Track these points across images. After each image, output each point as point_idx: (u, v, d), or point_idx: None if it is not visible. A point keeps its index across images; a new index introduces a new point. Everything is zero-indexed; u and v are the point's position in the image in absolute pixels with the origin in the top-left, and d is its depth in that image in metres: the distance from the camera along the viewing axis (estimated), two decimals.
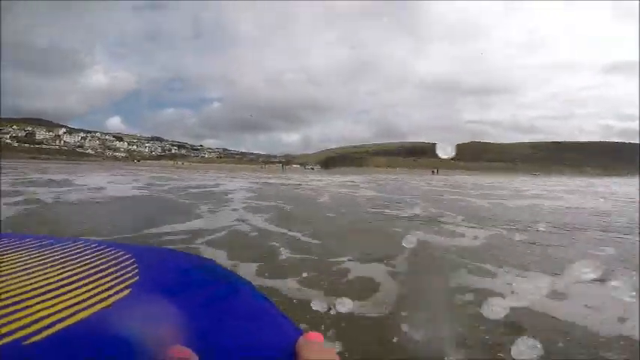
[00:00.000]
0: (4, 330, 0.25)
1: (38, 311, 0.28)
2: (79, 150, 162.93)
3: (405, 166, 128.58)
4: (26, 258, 0.39)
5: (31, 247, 0.43)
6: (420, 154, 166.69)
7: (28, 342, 0.24)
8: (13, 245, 0.44)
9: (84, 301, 0.30)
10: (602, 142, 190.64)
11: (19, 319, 0.27)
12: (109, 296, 0.32)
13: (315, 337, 0.30)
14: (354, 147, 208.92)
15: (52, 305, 0.29)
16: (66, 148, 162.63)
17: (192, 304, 0.33)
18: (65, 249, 0.43)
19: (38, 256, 0.40)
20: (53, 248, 0.44)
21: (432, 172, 61.08)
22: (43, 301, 0.30)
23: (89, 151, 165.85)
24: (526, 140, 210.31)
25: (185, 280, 0.38)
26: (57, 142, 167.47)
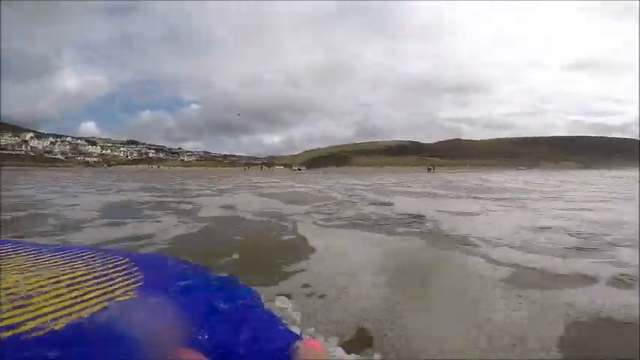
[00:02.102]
0: (7, 323, 0.26)
1: (41, 307, 0.28)
2: (48, 155, 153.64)
3: (390, 164, 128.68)
4: (33, 261, 0.40)
5: (37, 253, 0.45)
6: (402, 153, 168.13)
7: (29, 336, 0.25)
8: (19, 250, 0.45)
9: (87, 300, 0.31)
10: (575, 136, 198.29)
11: (22, 314, 0.28)
12: (112, 298, 0.32)
13: (312, 344, 0.30)
14: (338, 147, 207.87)
15: (57, 303, 0.30)
16: (33, 153, 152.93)
17: (193, 311, 0.33)
18: (70, 255, 0.44)
19: (45, 260, 0.41)
20: (59, 254, 0.45)
21: (429, 169, 60.23)
22: (47, 299, 0.30)
23: (58, 156, 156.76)
24: (501, 136, 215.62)
25: (187, 287, 0.39)
26: (23, 147, 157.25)
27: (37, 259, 0.39)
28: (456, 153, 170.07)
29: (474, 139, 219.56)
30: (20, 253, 0.41)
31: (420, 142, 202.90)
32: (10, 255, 0.40)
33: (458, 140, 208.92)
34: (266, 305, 0.37)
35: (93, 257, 0.42)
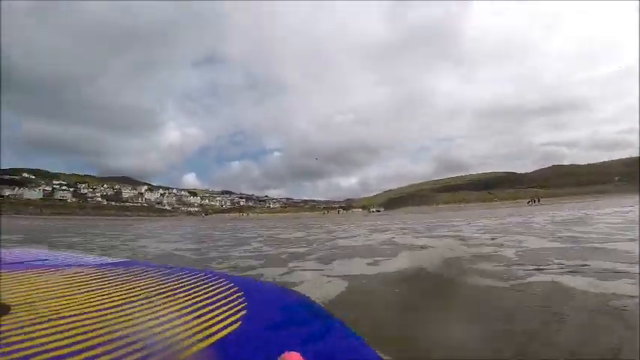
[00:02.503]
0: None
1: (164, 340, 0.29)
2: (158, 206, 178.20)
3: (478, 200, 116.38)
4: (151, 286, 0.42)
5: (155, 276, 0.47)
6: (493, 186, 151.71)
7: None
8: (139, 273, 0.48)
9: (202, 331, 0.32)
10: None
11: (142, 349, 0.28)
12: (224, 327, 0.34)
13: (293, 357, 0.30)
14: (416, 185, 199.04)
15: (175, 334, 0.31)
16: (146, 205, 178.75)
17: (294, 342, 0.35)
18: (184, 277, 0.46)
19: (165, 283, 0.43)
20: (176, 276, 0.47)
21: (529, 202, 51.51)
22: (165, 330, 0.32)
23: (166, 207, 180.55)
24: (613, 157, 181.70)
25: (288, 317, 0.40)
26: (139, 199, 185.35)
27: (158, 281, 0.41)
28: (560, 181, 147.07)
29: (578, 163, 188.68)
30: (144, 275, 0.42)
31: (515, 172, 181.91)
32: (138, 276, 0.41)
33: (560, 166, 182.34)
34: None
35: (202, 280, 0.42)
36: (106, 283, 0.43)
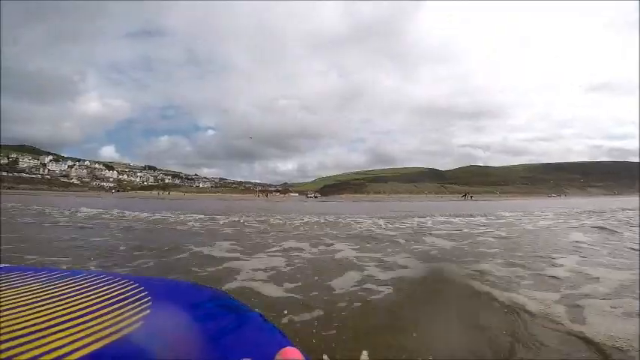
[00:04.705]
0: None
1: (50, 342, 0.27)
2: (64, 179, 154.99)
3: (410, 192, 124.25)
4: (41, 290, 0.39)
5: (46, 280, 0.43)
6: (420, 180, 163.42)
7: None
8: (28, 277, 0.44)
9: (96, 333, 0.30)
10: (596, 162, 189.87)
11: (30, 350, 0.26)
12: (121, 329, 0.32)
13: (291, 353, 0.29)
14: (351, 174, 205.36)
15: (65, 337, 0.29)
16: (49, 177, 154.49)
17: (203, 337, 0.33)
18: (79, 281, 0.43)
19: (52, 289, 0.40)
20: (68, 280, 0.44)
21: (464, 196, 55.60)
22: (56, 332, 0.29)
23: (74, 180, 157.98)
24: (517, 162, 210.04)
25: (196, 313, 0.38)
26: (41, 170, 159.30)
27: (44, 286, 0.38)
28: (476, 180, 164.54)
29: (490, 165, 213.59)
30: (28, 280, 0.39)
31: (438, 169, 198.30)
32: (18, 282, 0.38)
33: (477, 167, 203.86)
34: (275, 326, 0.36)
35: (101, 283, 0.40)
36: None
